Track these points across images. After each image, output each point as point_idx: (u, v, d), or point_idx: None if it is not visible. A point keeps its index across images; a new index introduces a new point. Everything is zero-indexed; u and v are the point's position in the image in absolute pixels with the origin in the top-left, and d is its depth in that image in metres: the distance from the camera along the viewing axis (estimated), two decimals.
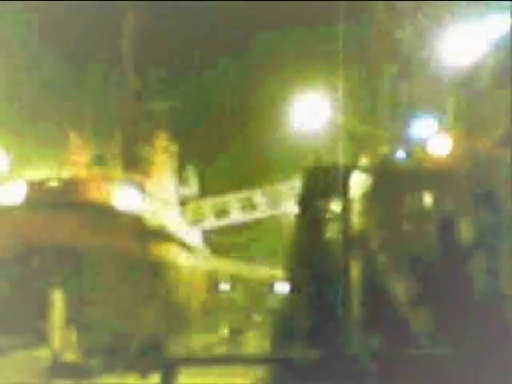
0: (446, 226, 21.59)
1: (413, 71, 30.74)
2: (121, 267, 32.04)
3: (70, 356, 25.07)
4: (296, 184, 34.88)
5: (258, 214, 45.63)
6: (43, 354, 24.99)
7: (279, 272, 39.00)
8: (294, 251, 25.10)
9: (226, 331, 39.87)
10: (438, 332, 19.30)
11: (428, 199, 23.18)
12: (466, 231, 21.03)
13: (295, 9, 37.04)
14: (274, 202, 45.08)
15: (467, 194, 21.29)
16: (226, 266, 50.48)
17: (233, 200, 45.47)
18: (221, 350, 34.30)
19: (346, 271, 21.84)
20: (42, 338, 25.82)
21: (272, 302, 42.78)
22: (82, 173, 38.55)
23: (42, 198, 33.07)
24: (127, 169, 39.82)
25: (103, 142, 41.62)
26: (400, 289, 21.32)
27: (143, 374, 21.10)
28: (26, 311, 28.68)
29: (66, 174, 37.21)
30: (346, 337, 20.58)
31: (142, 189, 37.73)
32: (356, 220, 23.02)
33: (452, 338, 18.85)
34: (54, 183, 34.15)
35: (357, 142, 30.55)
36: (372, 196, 23.15)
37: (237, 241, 49.29)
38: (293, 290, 25.24)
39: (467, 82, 24.79)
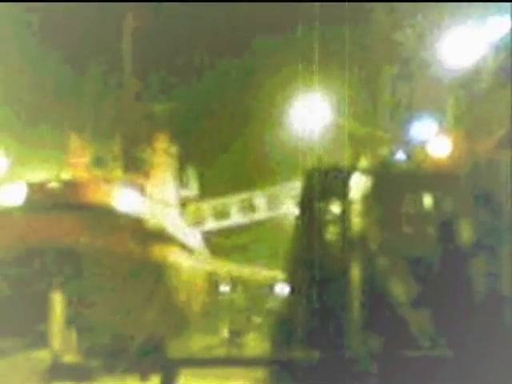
0: (446, 228, 21.59)
1: (413, 72, 30.78)
2: (121, 269, 32.04)
3: (70, 357, 25.09)
4: (296, 185, 34.87)
5: (257, 216, 45.65)
6: (43, 355, 25.01)
7: (279, 274, 39.04)
8: (293, 253, 25.09)
9: (225, 333, 39.87)
10: (438, 334, 19.30)
11: (428, 201, 23.18)
12: (466, 233, 21.03)
13: (296, 10, 37.04)
14: (273, 203, 45.10)
15: (467, 196, 21.29)
16: (226, 267, 50.46)
17: (233, 201, 45.49)
18: (221, 352, 34.30)
19: (345, 273, 21.83)
20: (42, 340, 25.83)
21: (272, 304, 42.80)
22: (82, 174, 38.60)
23: (42, 200, 33.06)
24: (127, 170, 39.85)
25: (103, 143, 41.63)
26: (400, 290, 21.31)
27: (143, 376, 21.11)
28: (26, 313, 28.67)
29: (66, 175, 37.25)
30: (346, 338, 20.58)
31: (141, 190, 37.73)
32: (356, 221, 23.01)
33: (452, 339, 18.86)
34: (54, 185, 34.15)
35: (357, 143, 30.60)
36: (372, 197, 23.15)
37: (237, 242, 49.31)
38: (293, 291, 25.24)
39: (467, 83, 24.80)
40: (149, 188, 39.02)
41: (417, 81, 30.48)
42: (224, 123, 50.97)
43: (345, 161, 26.39)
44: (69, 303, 26.79)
